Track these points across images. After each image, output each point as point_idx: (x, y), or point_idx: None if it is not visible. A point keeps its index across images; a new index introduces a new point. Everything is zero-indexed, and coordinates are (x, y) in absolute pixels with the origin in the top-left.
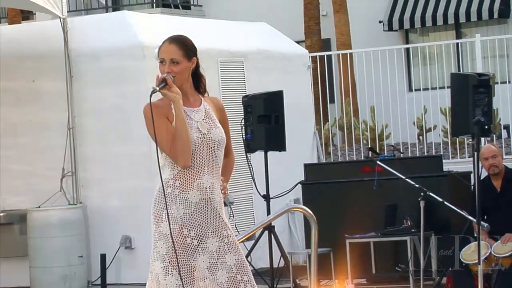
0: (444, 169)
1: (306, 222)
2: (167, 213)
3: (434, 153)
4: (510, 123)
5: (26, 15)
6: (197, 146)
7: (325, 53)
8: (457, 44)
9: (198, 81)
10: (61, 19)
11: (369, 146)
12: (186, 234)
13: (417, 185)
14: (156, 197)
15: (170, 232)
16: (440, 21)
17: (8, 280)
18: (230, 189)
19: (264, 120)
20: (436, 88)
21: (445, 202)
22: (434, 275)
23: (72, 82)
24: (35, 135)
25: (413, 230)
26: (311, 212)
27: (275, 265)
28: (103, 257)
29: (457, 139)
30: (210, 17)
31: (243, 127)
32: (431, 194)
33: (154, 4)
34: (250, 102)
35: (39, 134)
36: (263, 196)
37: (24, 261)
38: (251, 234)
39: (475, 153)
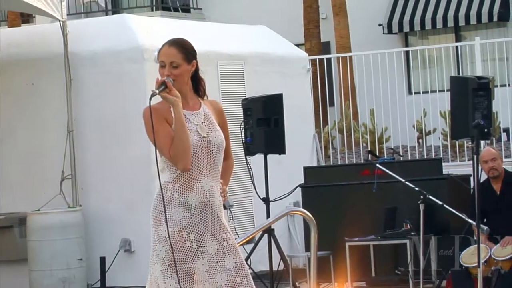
0: (443, 172)
1: (306, 225)
2: (166, 216)
3: (433, 156)
4: (510, 126)
5: (25, 18)
6: (196, 149)
7: (325, 56)
8: (457, 47)
9: (197, 84)
10: (61, 22)
11: (369, 149)
12: (185, 237)
13: (416, 188)
14: (155, 200)
15: (168, 235)
16: (439, 24)
17: (8, 283)
18: (229, 192)
19: (264, 123)
20: (435, 91)
21: (445, 205)
22: (434, 278)
23: (71, 85)
24: (34, 138)
25: (412, 233)
26: (310, 215)
27: (274, 268)
28: (102, 260)
29: (457, 142)
30: (209, 20)
31: (243, 130)
32: (430, 197)
33: (154, 7)
34: (250, 105)
35: (38, 137)
36: (263, 199)
37: (23, 264)
38: (250, 237)
39: (475, 156)
